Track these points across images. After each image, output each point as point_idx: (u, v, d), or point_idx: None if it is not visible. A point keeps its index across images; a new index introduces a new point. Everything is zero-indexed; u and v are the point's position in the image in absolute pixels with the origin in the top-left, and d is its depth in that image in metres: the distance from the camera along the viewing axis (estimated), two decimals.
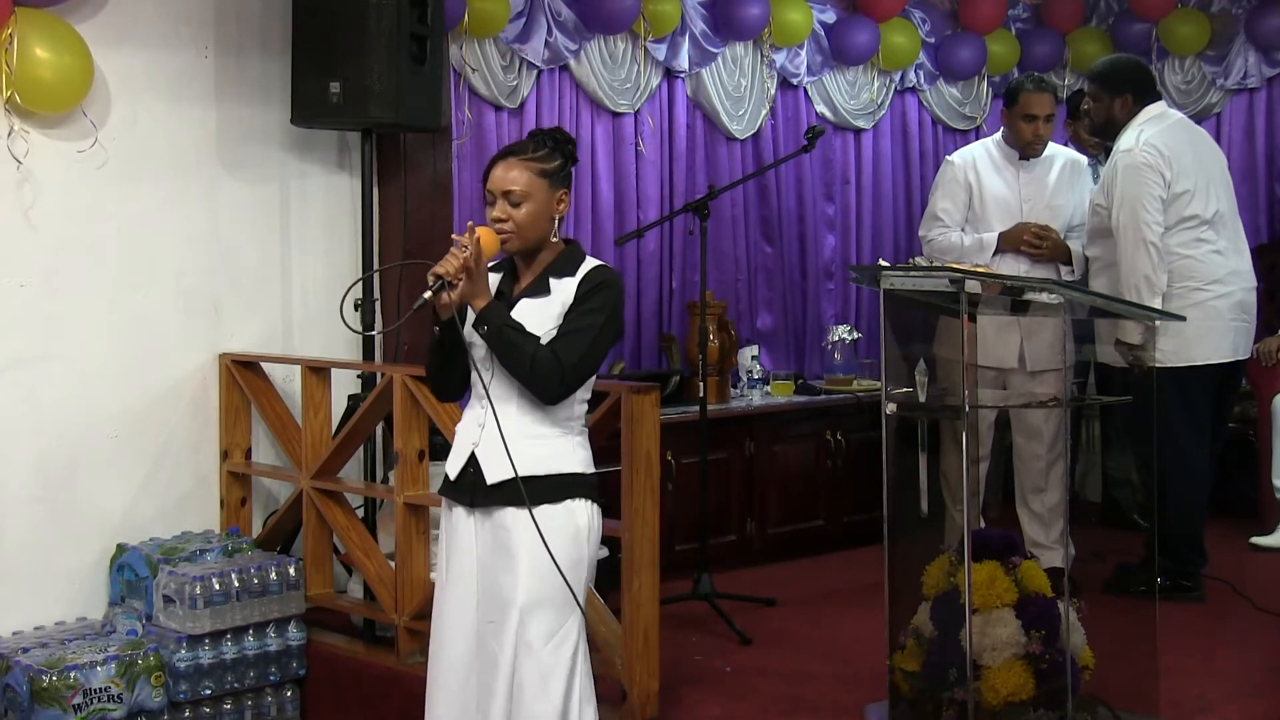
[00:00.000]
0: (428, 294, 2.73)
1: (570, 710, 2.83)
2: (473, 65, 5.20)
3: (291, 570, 4.25)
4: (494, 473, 2.84)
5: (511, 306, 2.88)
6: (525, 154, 2.88)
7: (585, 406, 2.95)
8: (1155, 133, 4.66)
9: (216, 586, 4.07)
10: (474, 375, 2.89)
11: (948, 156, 5.16)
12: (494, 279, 2.95)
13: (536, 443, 2.85)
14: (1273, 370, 5.75)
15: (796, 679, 4.09)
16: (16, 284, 4.19)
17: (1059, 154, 5.06)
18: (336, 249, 4.90)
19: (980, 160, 5.00)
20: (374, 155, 4.67)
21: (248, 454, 4.71)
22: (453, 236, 2.84)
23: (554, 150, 2.90)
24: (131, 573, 4.27)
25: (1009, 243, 4.87)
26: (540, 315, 2.85)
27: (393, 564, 4.18)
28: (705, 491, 4.82)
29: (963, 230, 4.97)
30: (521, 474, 2.80)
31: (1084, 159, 5.15)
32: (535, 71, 5.43)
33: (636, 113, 5.78)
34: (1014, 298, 3.50)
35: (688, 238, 5.81)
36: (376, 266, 4.71)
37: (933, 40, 6.74)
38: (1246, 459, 5.94)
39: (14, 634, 4.12)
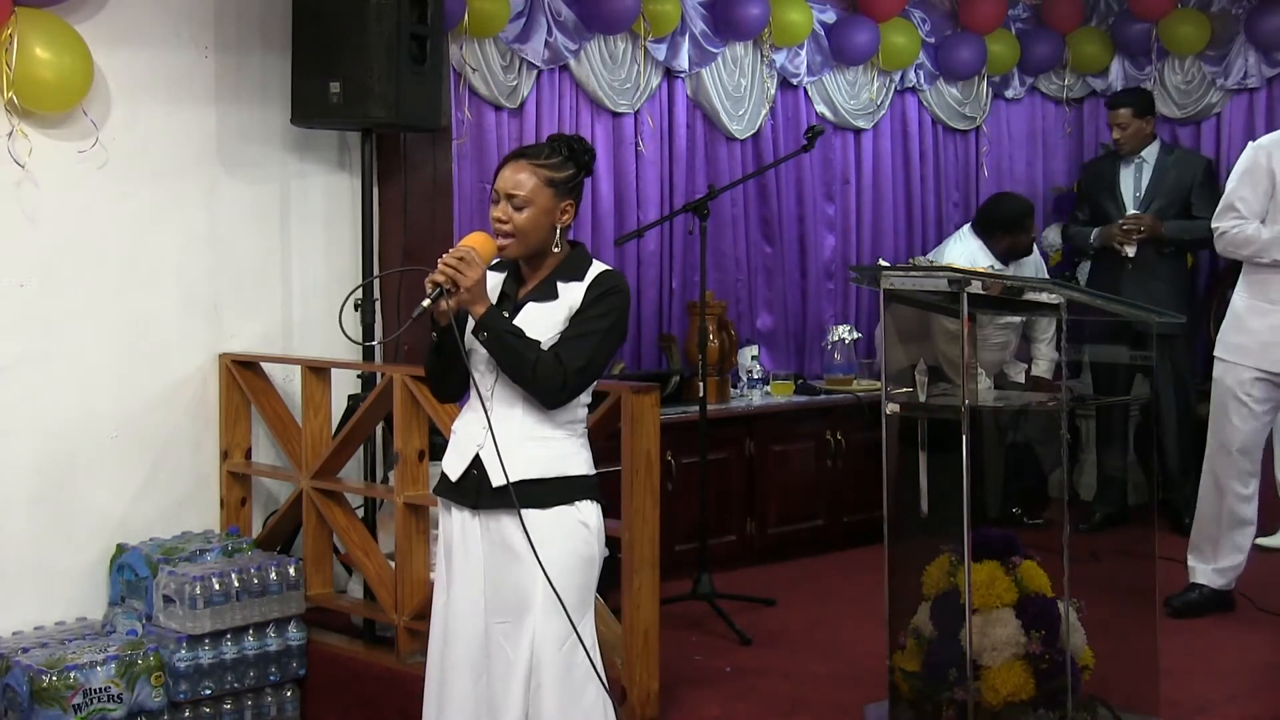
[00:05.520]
0: (426, 302, 2.74)
1: (591, 711, 2.83)
2: (473, 65, 5.20)
3: (291, 570, 4.25)
4: (499, 476, 2.81)
5: (518, 309, 2.87)
6: (537, 159, 2.85)
7: (587, 409, 2.95)
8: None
9: (216, 586, 4.07)
10: (474, 379, 2.88)
11: (1251, 142, 4.59)
12: (497, 279, 2.94)
13: (541, 445, 2.85)
14: None
15: (796, 679, 4.10)
16: (16, 284, 4.19)
17: None
18: (336, 249, 4.90)
19: None
20: (374, 155, 4.67)
21: (248, 454, 4.70)
22: (456, 242, 2.83)
23: (568, 159, 2.87)
24: (131, 573, 4.27)
25: None
26: (547, 320, 2.84)
27: (393, 564, 4.18)
28: (705, 491, 4.82)
29: (1261, 222, 4.43)
30: (527, 477, 2.81)
31: None
32: (535, 71, 5.42)
33: (636, 113, 5.77)
34: (1014, 298, 3.50)
35: (688, 238, 5.81)
36: (376, 272, 4.70)
37: (933, 40, 6.73)
38: None
39: (14, 634, 4.12)
